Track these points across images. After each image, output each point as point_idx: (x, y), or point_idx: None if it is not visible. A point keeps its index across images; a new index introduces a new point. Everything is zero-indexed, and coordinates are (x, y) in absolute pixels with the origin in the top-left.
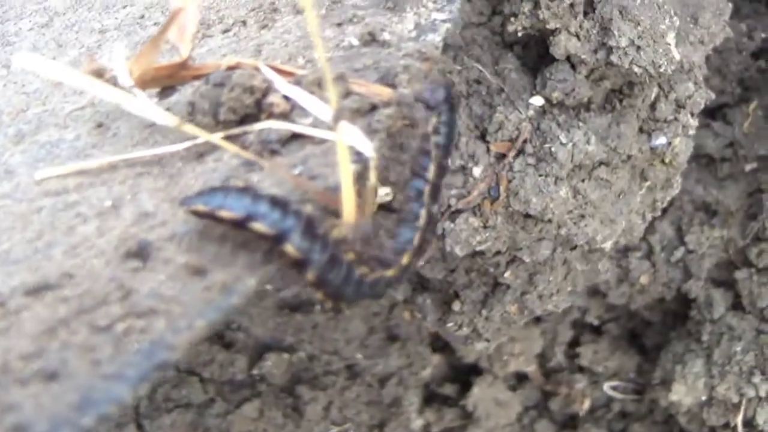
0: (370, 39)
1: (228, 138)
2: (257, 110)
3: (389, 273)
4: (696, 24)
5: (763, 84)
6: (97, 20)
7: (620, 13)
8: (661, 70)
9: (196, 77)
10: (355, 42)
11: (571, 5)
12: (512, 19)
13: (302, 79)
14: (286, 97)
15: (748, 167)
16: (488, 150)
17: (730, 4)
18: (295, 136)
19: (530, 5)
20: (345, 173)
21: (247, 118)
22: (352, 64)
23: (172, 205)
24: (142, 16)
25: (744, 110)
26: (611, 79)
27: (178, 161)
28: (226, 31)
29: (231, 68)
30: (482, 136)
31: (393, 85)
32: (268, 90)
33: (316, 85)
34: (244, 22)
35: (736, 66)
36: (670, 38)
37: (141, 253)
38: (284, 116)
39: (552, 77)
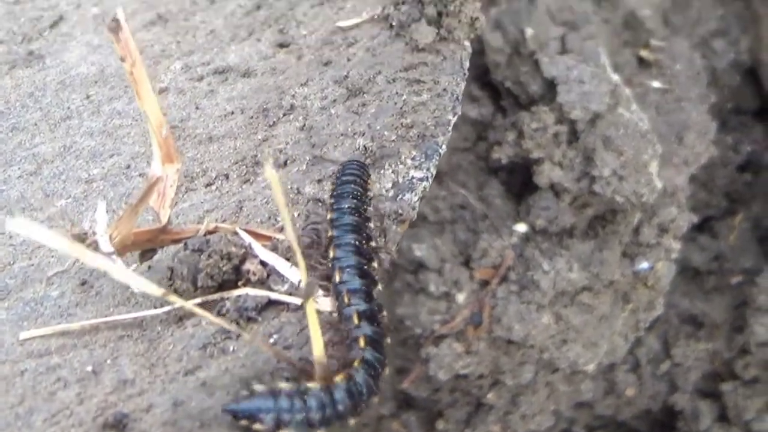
0: None
1: (206, 304)
2: (235, 276)
3: (356, 364)
4: (681, 144)
5: (749, 196)
6: (84, 169)
7: (603, 143)
8: (643, 199)
9: (176, 241)
10: None
11: (555, 135)
12: (496, 147)
13: (279, 245)
14: (263, 263)
15: (734, 280)
16: (472, 276)
17: (715, 123)
18: (272, 302)
19: (514, 135)
20: (317, 345)
21: (225, 284)
22: None
23: (150, 372)
24: (128, 166)
25: (730, 223)
26: (594, 207)
27: (158, 325)
28: (209, 184)
29: (210, 232)
30: (466, 263)
31: None
32: (245, 256)
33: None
34: (226, 176)
35: (722, 180)
36: (653, 167)
37: (118, 424)
38: (261, 282)
39: (535, 205)
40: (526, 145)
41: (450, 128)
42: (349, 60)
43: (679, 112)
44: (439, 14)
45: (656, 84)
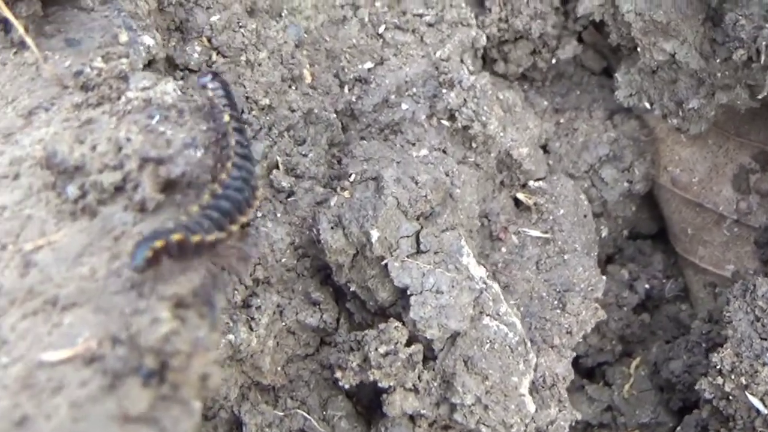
0: None
1: None
2: None
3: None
4: (564, 311)
5: (647, 338)
6: None
7: (465, 364)
8: (514, 429)
9: None
10: None
11: (409, 357)
12: (339, 371)
13: None
14: None
15: None
16: None
17: (604, 278)
18: None
19: (359, 359)
20: None
21: None
22: None
23: None
24: None
25: (625, 371)
26: (458, 429)
27: None
28: None
29: None
30: None
31: None
32: None
33: None
34: None
35: (617, 322)
36: (524, 387)
37: None
38: None
39: None
40: (374, 375)
41: None
42: (48, 419)
43: (563, 268)
44: (163, 366)
45: (535, 233)
